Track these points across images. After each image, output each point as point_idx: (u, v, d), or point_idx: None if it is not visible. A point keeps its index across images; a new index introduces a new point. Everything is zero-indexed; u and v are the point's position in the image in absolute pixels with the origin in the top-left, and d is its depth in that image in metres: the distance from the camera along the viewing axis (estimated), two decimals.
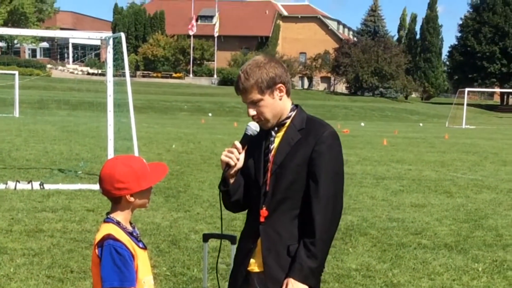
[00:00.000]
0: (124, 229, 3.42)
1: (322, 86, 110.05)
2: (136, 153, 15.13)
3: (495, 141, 37.05)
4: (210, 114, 63.19)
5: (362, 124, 57.13)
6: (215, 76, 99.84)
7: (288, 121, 3.81)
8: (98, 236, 3.37)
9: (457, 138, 38.96)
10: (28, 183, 13.84)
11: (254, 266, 3.83)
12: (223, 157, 3.76)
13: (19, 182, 13.83)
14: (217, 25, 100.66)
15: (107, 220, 3.46)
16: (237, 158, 3.76)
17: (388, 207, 13.13)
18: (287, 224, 3.76)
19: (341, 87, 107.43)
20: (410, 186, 16.29)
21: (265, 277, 3.78)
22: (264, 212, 3.76)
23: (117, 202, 3.46)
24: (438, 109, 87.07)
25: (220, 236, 4.20)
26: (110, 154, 15.96)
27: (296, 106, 3.87)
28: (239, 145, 3.75)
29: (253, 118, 3.76)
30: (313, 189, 3.70)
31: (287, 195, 3.74)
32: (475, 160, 24.13)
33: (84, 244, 9.12)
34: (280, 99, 3.75)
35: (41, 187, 13.76)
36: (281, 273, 3.74)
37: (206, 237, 5.07)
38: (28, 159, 19.21)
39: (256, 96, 3.70)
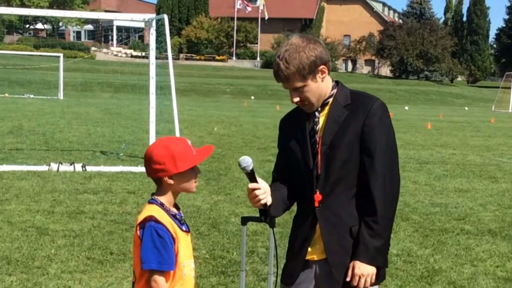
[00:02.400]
0: (167, 211, 3.39)
1: (366, 69, 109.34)
2: (178, 136, 15.16)
3: None
4: (252, 97, 63.22)
5: (406, 107, 56.67)
6: (258, 58, 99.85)
7: (331, 99, 3.66)
8: (140, 217, 3.35)
9: (503, 122, 38.41)
10: (71, 165, 13.94)
11: (313, 254, 3.69)
12: (256, 205, 3.60)
13: (61, 164, 13.93)
14: (264, 8, 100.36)
15: (151, 201, 3.42)
16: (263, 194, 3.58)
17: (431, 192, 12.95)
18: (345, 205, 3.62)
19: (385, 70, 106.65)
20: (454, 170, 16.07)
21: (329, 264, 3.64)
22: (318, 196, 3.62)
23: (158, 184, 3.42)
24: (484, 93, 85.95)
25: (259, 219, 4.10)
26: (152, 136, 16.02)
27: (337, 82, 3.72)
28: (255, 185, 3.56)
29: (297, 103, 3.62)
30: (369, 164, 3.56)
31: (341, 175, 3.59)
32: None
33: (124, 226, 9.15)
34: (323, 81, 3.60)
35: (83, 169, 13.85)
36: (346, 257, 3.61)
37: (244, 220, 4.99)
38: (71, 141, 19.39)
39: (298, 83, 3.54)
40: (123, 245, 8.19)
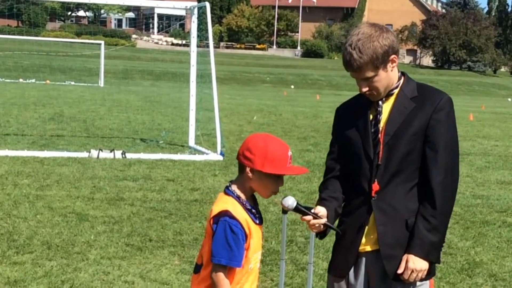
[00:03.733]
0: (243, 204, 3.38)
1: (407, 59, 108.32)
2: (217, 124, 15.16)
3: None
4: (292, 86, 63.03)
5: None
6: (298, 47, 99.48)
7: (397, 90, 3.61)
8: (215, 209, 3.35)
9: None
10: (111, 151, 14.02)
11: (366, 245, 3.65)
12: (316, 231, 3.64)
13: (102, 150, 14.01)
14: None
15: (228, 191, 3.42)
16: (318, 222, 3.57)
17: (473, 183, 12.79)
18: (401, 198, 3.57)
19: (427, 60, 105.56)
20: (496, 162, 15.85)
21: (381, 255, 3.59)
22: (376, 186, 3.58)
23: (240, 171, 3.42)
24: None
25: (302, 212, 4.05)
26: (192, 124, 16.07)
27: (403, 73, 3.67)
28: (306, 218, 3.56)
29: (365, 93, 3.58)
30: (432, 158, 3.52)
31: (401, 167, 3.55)
32: None
33: (163, 214, 9.17)
34: (392, 70, 3.56)
35: (123, 156, 13.92)
36: (399, 250, 3.57)
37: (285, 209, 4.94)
38: (111, 128, 19.52)
39: (370, 73, 3.48)
40: (162, 232, 8.22)
